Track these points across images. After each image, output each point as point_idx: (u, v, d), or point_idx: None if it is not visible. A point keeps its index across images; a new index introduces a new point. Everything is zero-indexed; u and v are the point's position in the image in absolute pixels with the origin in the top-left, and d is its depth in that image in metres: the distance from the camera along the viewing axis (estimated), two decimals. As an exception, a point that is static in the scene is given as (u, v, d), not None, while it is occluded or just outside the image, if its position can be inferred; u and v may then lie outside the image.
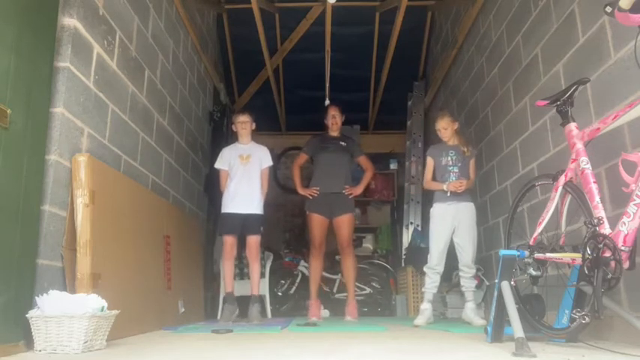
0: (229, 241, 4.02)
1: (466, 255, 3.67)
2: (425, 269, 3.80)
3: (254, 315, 3.89)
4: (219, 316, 3.93)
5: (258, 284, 4.06)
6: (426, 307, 3.68)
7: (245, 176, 4.06)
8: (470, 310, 3.62)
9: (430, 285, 3.71)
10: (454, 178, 3.72)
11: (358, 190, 4.48)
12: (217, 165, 4.18)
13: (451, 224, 3.70)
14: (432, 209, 3.82)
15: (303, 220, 4.60)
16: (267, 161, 4.18)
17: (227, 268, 4.05)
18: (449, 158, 3.77)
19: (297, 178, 4.52)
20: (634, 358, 1.68)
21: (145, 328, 3.01)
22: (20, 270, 2.05)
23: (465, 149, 3.78)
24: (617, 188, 2.05)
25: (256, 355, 1.99)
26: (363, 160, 4.60)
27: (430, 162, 3.86)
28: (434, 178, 3.84)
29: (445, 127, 3.79)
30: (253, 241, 4.04)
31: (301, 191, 4.46)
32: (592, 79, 2.46)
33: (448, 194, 3.70)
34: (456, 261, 3.76)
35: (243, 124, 4.18)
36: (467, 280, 3.68)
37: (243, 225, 4.01)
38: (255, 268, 4.03)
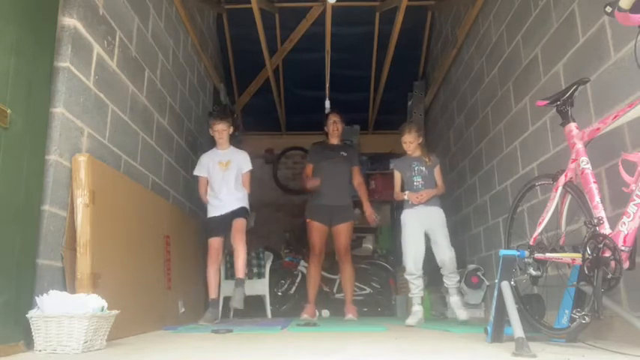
0: (214, 245, 3.99)
1: (442, 252, 3.72)
2: (406, 277, 3.84)
3: (236, 299, 3.80)
4: (201, 320, 3.75)
5: (244, 267, 3.94)
6: (417, 309, 3.75)
7: (224, 182, 4.05)
8: (453, 303, 3.70)
9: (416, 290, 3.77)
10: (421, 188, 3.84)
11: (368, 209, 4.52)
12: (196, 172, 4.17)
13: (422, 226, 3.80)
14: (401, 216, 3.93)
15: (304, 221, 4.60)
16: (247, 166, 4.18)
17: (211, 274, 3.97)
18: (413, 169, 3.91)
19: (308, 180, 4.51)
20: (634, 358, 1.68)
21: (145, 328, 3.01)
22: (20, 270, 2.05)
23: (427, 159, 3.92)
24: (617, 188, 2.04)
25: (256, 355, 1.99)
26: (355, 170, 4.62)
27: (397, 175, 4.01)
28: (403, 189, 3.95)
29: (411, 141, 3.94)
30: (239, 223, 3.97)
31: (311, 182, 4.44)
32: (592, 79, 2.46)
33: (410, 203, 3.83)
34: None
35: (221, 132, 4.13)
36: (448, 278, 3.73)
37: (229, 221, 3.99)
38: (240, 250, 3.91)
